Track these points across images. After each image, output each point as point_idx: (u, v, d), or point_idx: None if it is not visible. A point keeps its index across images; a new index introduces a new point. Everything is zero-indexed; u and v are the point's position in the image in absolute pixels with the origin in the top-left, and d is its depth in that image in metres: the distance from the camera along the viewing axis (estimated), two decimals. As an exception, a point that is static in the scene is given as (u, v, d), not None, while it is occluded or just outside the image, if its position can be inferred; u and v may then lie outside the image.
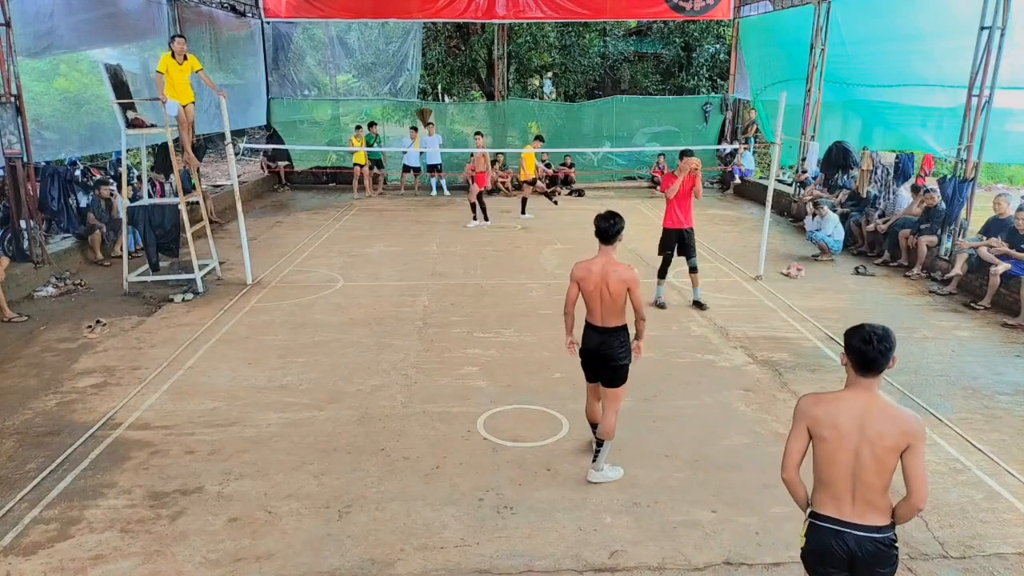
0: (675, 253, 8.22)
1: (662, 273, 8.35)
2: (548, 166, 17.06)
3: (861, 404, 2.69)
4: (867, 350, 2.64)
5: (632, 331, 4.61)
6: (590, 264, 4.50)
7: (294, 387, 6.15)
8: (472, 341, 7.21)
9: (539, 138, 14.50)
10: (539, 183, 14.07)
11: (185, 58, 9.04)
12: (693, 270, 8.24)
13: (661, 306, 8.28)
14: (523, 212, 13.65)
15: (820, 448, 2.75)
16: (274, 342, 7.20)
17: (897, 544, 2.76)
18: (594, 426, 4.85)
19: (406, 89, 18.29)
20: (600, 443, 4.68)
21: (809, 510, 2.86)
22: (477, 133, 15.40)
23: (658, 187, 16.85)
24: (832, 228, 10.53)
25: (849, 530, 2.73)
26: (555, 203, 13.50)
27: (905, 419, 2.66)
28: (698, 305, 8.24)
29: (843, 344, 2.75)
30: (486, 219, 12.98)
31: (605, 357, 4.56)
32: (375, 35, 18.47)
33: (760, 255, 9.55)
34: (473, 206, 13.10)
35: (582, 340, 4.68)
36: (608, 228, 4.47)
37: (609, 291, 4.41)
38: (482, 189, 13.11)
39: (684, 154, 8.10)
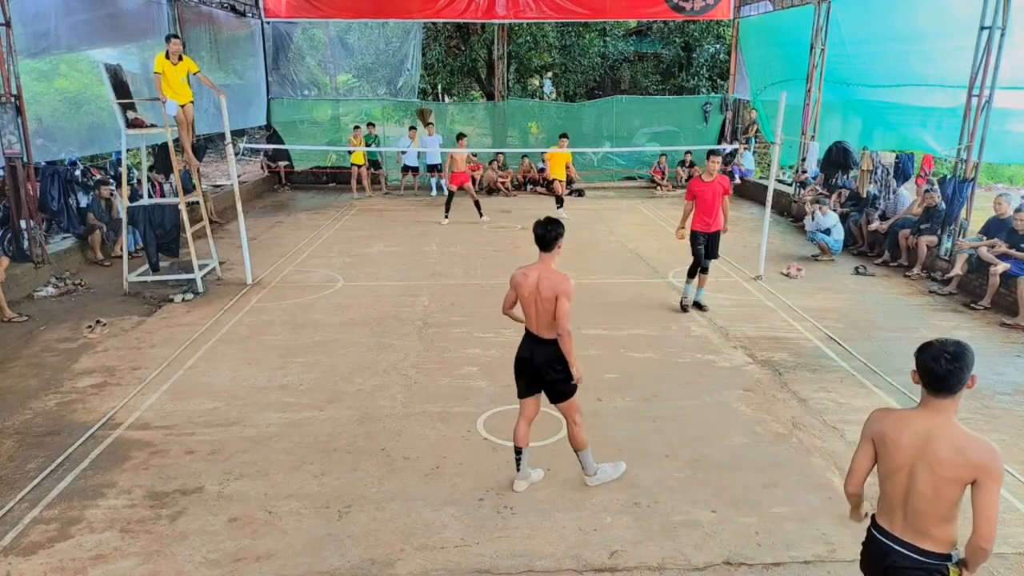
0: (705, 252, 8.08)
1: (691, 272, 8.14)
2: (542, 170, 17.07)
3: (927, 426, 2.51)
4: (936, 368, 2.46)
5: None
6: (527, 270, 4.31)
7: (294, 387, 6.15)
8: (472, 341, 7.21)
9: (564, 136, 14.09)
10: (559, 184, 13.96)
11: (180, 58, 9.04)
12: (703, 271, 8.16)
13: (683, 308, 8.17)
14: (560, 207, 13.59)
15: (880, 462, 2.65)
16: (274, 342, 7.20)
17: (946, 575, 2.57)
18: (518, 451, 4.58)
19: (406, 89, 18.30)
20: (577, 453, 4.59)
21: (872, 514, 2.77)
22: (459, 135, 15.22)
23: (658, 188, 16.98)
24: (832, 228, 10.53)
25: (895, 545, 2.62)
26: (558, 207, 13.48)
27: (977, 449, 2.44)
28: (698, 306, 8.23)
29: (914, 361, 2.59)
30: (446, 216, 13.10)
31: (538, 368, 4.37)
32: (375, 35, 18.49)
33: (760, 255, 9.55)
34: (477, 203, 13.20)
35: (519, 347, 4.50)
36: (544, 234, 4.26)
37: (541, 298, 4.23)
38: (457, 188, 13.14)
39: (711, 154, 8.09)
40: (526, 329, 4.47)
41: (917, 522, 2.55)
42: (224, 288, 9.05)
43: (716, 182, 7.95)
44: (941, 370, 2.46)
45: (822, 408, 5.78)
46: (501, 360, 6.73)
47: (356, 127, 16.42)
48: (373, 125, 17.01)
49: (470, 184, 13.26)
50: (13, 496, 4.51)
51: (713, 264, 8.38)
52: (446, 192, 13.83)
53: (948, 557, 2.57)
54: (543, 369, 4.37)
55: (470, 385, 6.18)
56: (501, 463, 4.93)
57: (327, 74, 19.24)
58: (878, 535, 2.68)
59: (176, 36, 9.30)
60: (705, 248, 8.07)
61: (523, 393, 4.54)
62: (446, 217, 13.15)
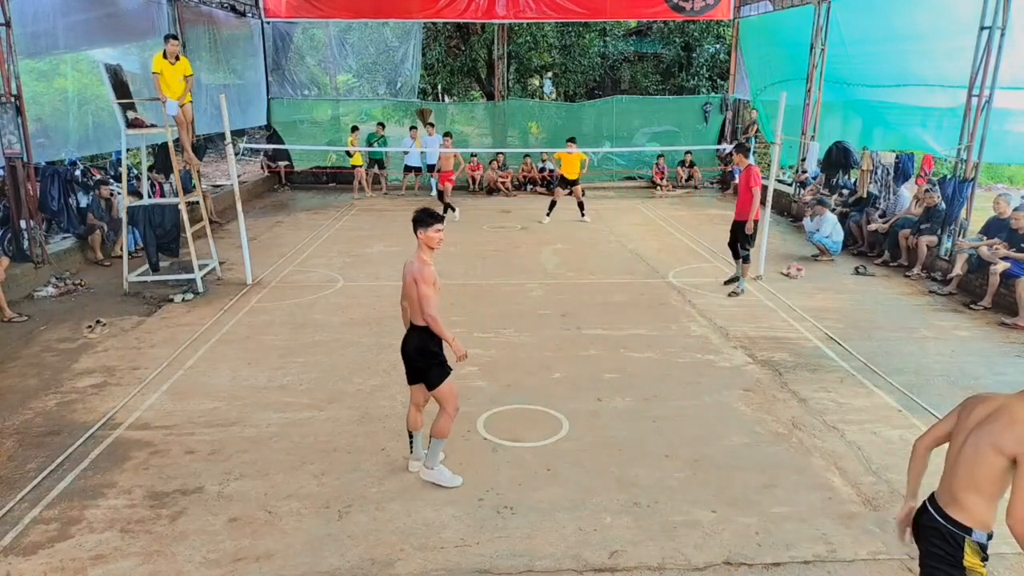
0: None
1: (735, 254, 8.90)
2: (543, 170, 17.05)
3: (1003, 401, 2.57)
4: None
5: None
6: (409, 259, 4.48)
7: (294, 387, 6.15)
8: (472, 341, 7.19)
9: (572, 140, 13.83)
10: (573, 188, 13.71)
11: (177, 58, 9.05)
12: (744, 260, 8.80)
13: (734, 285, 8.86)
14: (575, 212, 13.41)
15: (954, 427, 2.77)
16: (274, 342, 7.20)
17: (962, 547, 2.61)
18: (411, 435, 4.80)
19: (406, 89, 18.29)
20: (431, 438, 4.62)
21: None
22: (446, 134, 15.29)
23: (659, 188, 16.98)
24: (831, 229, 10.53)
25: (931, 507, 2.73)
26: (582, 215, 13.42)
27: None
28: (733, 293, 8.72)
29: None
30: (455, 211, 13.38)
31: (408, 357, 4.49)
32: (375, 35, 18.49)
33: (760, 255, 9.54)
34: (448, 205, 13.44)
35: None
36: (412, 220, 4.45)
37: (406, 284, 4.38)
38: (444, 187, 13.64)
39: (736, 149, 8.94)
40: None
41: (953, 486, 2.63)
42: (224, 288, 9.05)
43: (742, 176, 8.63)
44: None
45: (822, 408, 5.78)
46: (501, 360, 6.74)
47: (354, 127, 16.25)
48: (383, 125, 16.98)
49: (448, 186, 13.70)
50: (13, 496, 4.51)
51: (713, 263, 8.60)
52: (435, 193, 14.19)
53: (969, 531, 2.61)
54: (412, 358, 4.47)
55: (470, 385, 6.16)
56: (501, 463, 4.93)
57: (327, 74, 19.23)
58: (927, 500, 2.80)
59: (174, 37, 9.31)
60: (732, 236, 8.83)
61: (409, 381, 4.65)
62: (455, 211, 13.35)
